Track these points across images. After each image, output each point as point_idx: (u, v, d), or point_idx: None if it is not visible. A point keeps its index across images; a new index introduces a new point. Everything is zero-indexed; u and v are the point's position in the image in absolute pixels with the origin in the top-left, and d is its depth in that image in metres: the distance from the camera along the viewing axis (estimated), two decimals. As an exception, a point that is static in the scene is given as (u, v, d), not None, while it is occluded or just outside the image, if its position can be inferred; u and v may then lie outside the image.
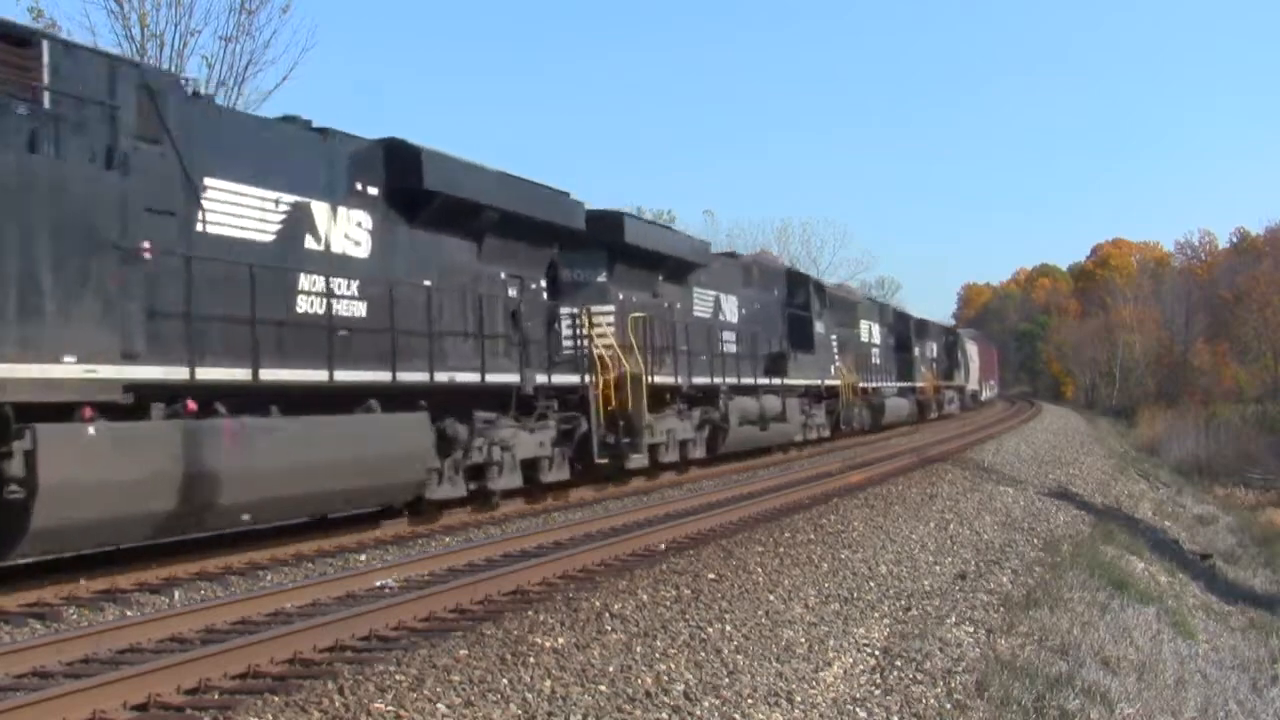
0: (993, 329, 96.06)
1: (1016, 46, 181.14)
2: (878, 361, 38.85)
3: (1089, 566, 14.94)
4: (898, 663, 9.10)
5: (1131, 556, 17.75)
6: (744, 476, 21.77)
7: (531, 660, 7.30)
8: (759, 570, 11.02)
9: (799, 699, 7.78)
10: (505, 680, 6.88)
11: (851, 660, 8.96)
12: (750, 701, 7.49)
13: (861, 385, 34.17)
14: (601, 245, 18.87)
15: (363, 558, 12.02)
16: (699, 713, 7.10)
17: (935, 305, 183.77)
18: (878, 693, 8.38)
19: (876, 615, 10.41)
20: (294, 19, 62.73)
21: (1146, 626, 12.98)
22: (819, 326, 30.03)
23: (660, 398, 19.88)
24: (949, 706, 8.41)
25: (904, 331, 44.05)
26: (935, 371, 50.08)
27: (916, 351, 45.11)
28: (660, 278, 21.04)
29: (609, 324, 18.68)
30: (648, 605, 9.09)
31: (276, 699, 6.26)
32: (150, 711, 6.33)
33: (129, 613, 9.21)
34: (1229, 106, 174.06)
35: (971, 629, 10.65)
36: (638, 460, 18.61)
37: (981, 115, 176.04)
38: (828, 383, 30.54)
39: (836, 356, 31.81)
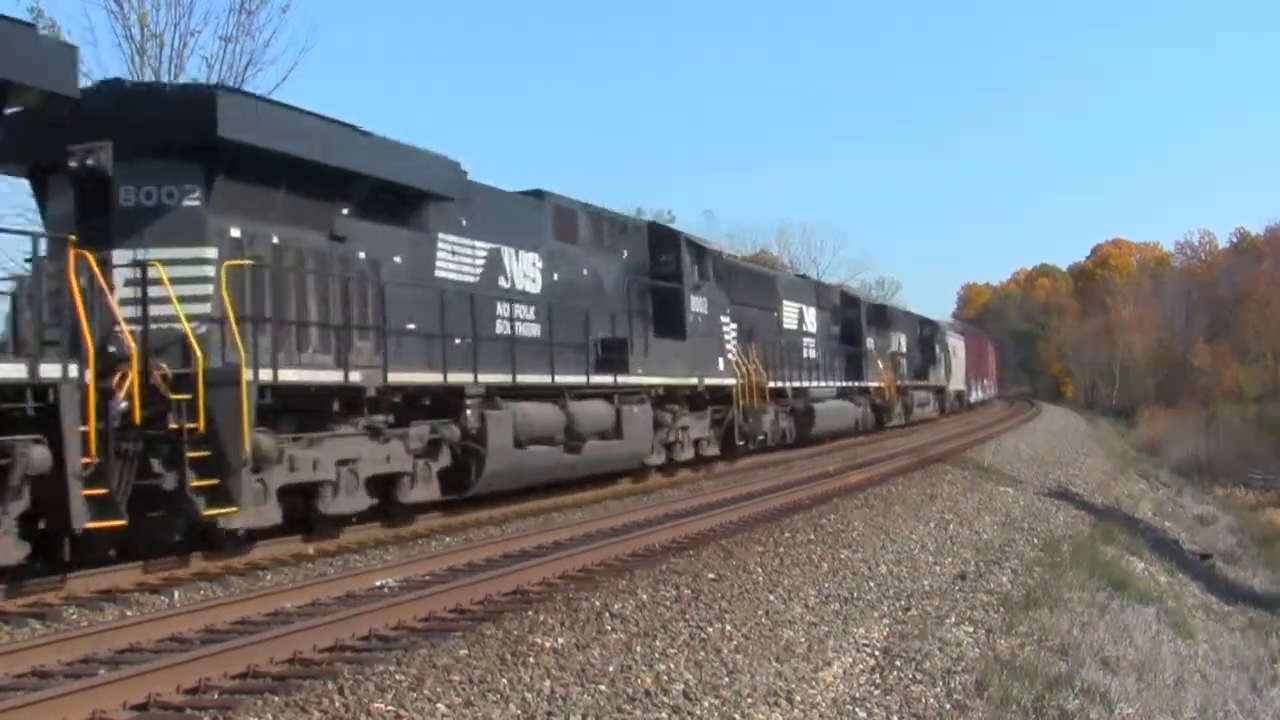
0: (993, 329, 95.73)
1: (1017, 46, 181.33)
2: (812, 355, 30.56)
3: (1089, 567, 14.95)
4: (897, 663, 9.10)
5: (1131, 557, 17.76)
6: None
7: (531, 660, 7.31)
8: (759, 570, 11.03)
9: (799, 699, 7.79)
10: (505, 680, 6.89)
11: (851, 660, 8.97)
12: (750, 701, 7.49)
13: (776, 385, 25.90)
14: (192, 147, 11.40)
15: (362, 558, 12.02)
16: (699, 712, 7.11)
17: (935, 305, 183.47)
18: (877, 693, 8.39)
19: (876, 615, 10.42)
20: (294, 19, 62.74)
21: (1146, 626, 12.99)
22: (697, 304, 21.42)
23: (321, 408, 12.41)
24: (949, 706, 8.42)
25: (854, 319, 35.80)
26: (904, 368, 42.14)
27: (871, 343, 36.74)
28: (345, 211, 13.19)
29: (201, 277, 11.39)
30: (648, 605, 9.10)
31: (276, 699, 6.27)
32: (150, 711, 6.34)
33: (129, 613, 9.22)
34: (1229, 106, 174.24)
35: (971, 629, 10.65)
36: (234, 517, 10.86)
37: (982, 115, 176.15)
38: (711, 381, 21.63)
39: (732, 345, 23.25)
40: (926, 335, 47.82)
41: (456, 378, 14.14)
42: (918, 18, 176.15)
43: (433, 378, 13.87)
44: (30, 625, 8.72)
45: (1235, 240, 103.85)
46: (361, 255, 13.42)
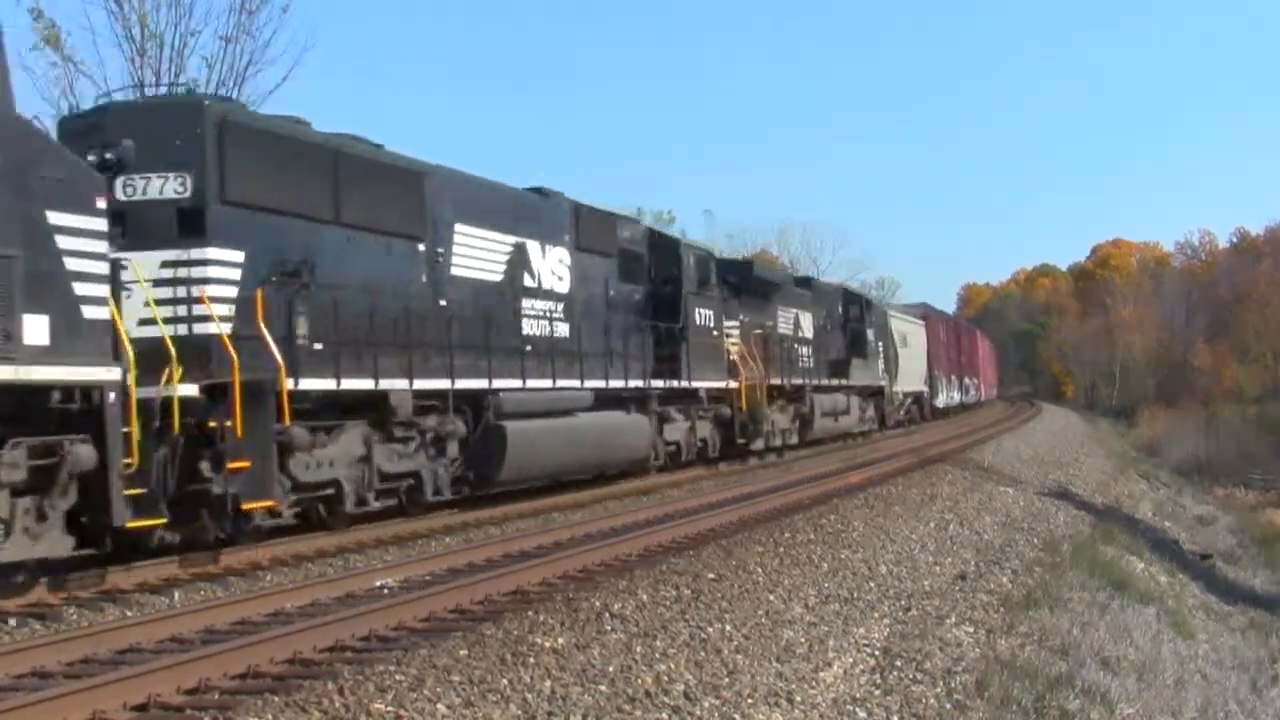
0: (993, 329, 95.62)
1: (1017, 46, 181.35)
2: (556, 332, 17.13)
3: (1089, 567, 14.94)
4: (898, 663, 9.10)
5: (1131, 557, 17.75)
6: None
7: (531, 660, 7.31)
8: (759, 570, 11.03)
9: (799, 699, 7.78)
10: (505, 680, 6.89)
11: (851, 660, 8.96)
12: (750, 701, 7.49)
13: (357, 385, 12.86)
14: None
15: (362, 558, 12.01)
16: (699, 713, 7.10)
17: (936, 305, 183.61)
18: (878, 693, 8.38)
19: (876, 615, 10.41)
20: (294, 19, 62.62)
21: (1146, 626, 12.98)
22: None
23: None
24: (949, 707, 8.41)
25: (674, 278, 21.18)
26: (805, 361, 28.64)
27: (706, 319, 22.16)
28: None
29: None
30: (648, 605, 9.09)
31: (276, 699, 6.27)
32: (150, 711, 6.34)
33: (129, 613, 9.21)
34: (1229, 106, 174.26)
35: (971, 629, 10.65)
36: None
37: (982, 115, 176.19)
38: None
39: (141, 298, 10.43)
40: (854, 316, 34.19)
41: None
42: (918, 18, 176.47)
43: None
44: (30, 625, 8.71)
45: (1235, 240, 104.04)
46: None
